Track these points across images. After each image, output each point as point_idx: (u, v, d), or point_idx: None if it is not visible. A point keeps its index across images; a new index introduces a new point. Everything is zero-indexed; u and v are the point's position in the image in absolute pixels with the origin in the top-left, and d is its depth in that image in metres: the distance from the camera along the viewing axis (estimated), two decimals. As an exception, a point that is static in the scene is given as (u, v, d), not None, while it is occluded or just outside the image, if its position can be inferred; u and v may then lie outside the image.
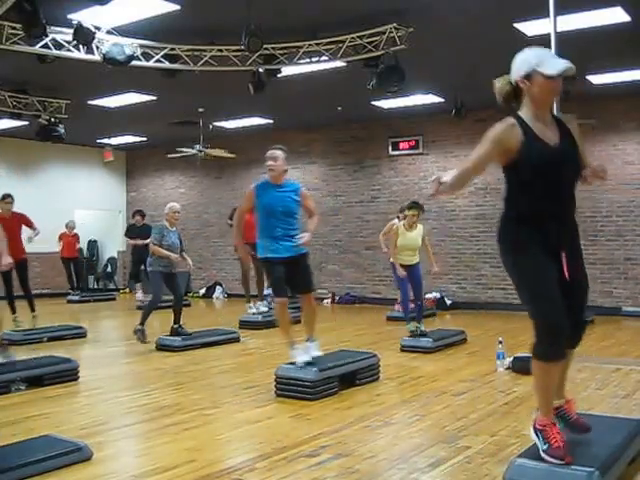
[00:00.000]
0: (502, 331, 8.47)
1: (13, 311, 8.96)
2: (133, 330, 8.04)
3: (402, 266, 7.98)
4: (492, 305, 12.09)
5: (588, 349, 7.70)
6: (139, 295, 12.52)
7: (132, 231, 12.87)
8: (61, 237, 13.98)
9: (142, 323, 7.96)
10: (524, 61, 3.04)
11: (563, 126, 3.16)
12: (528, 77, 3.00)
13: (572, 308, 3.13)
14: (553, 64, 2.97)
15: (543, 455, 3.10)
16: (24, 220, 9.07)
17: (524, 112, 3.08)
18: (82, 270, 14.22)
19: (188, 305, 12.67)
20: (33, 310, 9.12)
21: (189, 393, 5.58)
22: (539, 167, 3.02)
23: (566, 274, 3.16)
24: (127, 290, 16.78)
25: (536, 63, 2.99)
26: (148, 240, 8.46)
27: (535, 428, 3.19)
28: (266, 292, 10.47)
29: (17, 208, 9.18)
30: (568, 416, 3.40)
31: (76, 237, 14.17)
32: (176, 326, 8.08)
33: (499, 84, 3.16)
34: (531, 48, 3.07)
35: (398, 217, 10.27)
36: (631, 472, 3.48)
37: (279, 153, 5.76)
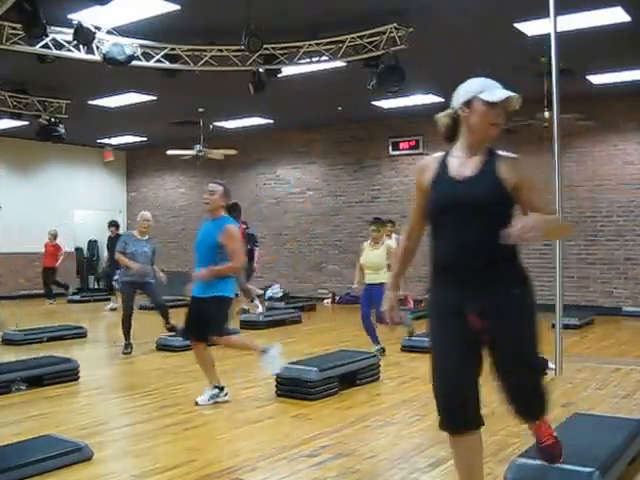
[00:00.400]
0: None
1: None
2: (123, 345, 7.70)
3: (367, 284, 7.46)
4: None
5: (588, 349, 7.71)
6: (110, 305, 12.48)
7: (109, 242, 12.74)
8: (45, 246, 13.73)
9: (126, 337, 7.64)
10: (466, 89, 2.76)
11: (494, 163, 2.72)
12: (468, 104, 2.71)
13: (504, 380, 2.71)
14: (495, 92, 2.74)
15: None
16: None
17: (457, 145, 2.81)
18: (50, 279, 14.01)
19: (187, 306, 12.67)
20: None
21: (189, 393, 5.57)
22: (438, 205, 2.70)
23: (484, 338, 2.65)
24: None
25: (478, 90, 2.73)
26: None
27: None
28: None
29: (17, 208, 9.19)
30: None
31: (57, 247, 13.74)
32: (169, 325, 8.03)
33: (442, 118, 2.89)
34: (476, 78, 2.80)
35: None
36: (631, 472, 3.48)
37: (218, 187, 5.49)
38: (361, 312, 7.45)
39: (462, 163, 2.73)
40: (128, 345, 7.64)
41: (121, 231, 13.22)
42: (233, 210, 9.84)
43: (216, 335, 5.17)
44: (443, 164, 2.78)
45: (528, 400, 2.84)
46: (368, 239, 7.73)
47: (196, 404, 5.10)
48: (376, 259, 7.47)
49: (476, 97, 2.71)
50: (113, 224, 13.02)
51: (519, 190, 2.67)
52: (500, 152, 2.78)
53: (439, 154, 2.84)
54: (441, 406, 2.69)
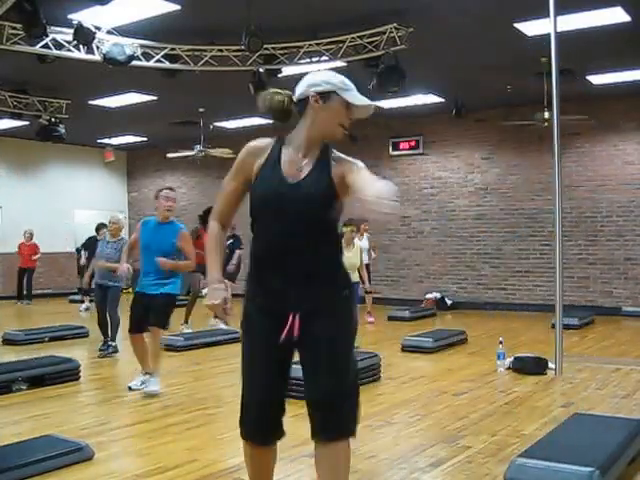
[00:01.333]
0: (502, 331, 8.47)
1: None
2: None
3: None
4: (492, 305, 12.09)
5: (588, 349, 7.71)
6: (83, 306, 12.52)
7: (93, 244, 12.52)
8: (19, 246, 13.56)
9: (104, 336, 7.72)
10: (326, 80, 2.47)
11: (326, 163, 2.47)
12: (325, 96, 2.45)
13: (310, 390, 2.64)
14: (357, 95, 2.51)
15: None
16: None
17: (293, 134, 2.55)
18: (29, 280, 13.94)
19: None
20: None
21: (191, 393, 5.59)
22: (262, 198, 2.46)
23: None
24: (129, 290, 16.78)
25: (340, 87, 2.47)
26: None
27: None
28: None
29: (18, 209, 9.19)
30: None
31: (33, 247, 13.59)
32: (106, 340, 7.72)
33: (277, 95, 2.53)
34: (335, 73, 2.54)
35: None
36: (631, 472, 3.49)
37: (175, 194, 5.78)
38: None
39: (295, 160, 2.47)
40: (105, 343, 7.65)
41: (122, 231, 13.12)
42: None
43: (161, 328, 5.58)
44: (277, 156, 2.50)
45: (332, 411, 2.59)
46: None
47: (130, 389, 5.57)
48: (347, 260, 7.42)
49: (336, 92, 2.47)
50: (103, 226, 12.68)
51: (344, 179, 2.39)
52: (336, 153, 2.52)
53: (272, 140, 2.56)
54: (242, 413, 2.55)
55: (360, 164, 2.45)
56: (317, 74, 2.54)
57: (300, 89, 2.51)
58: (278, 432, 2.62)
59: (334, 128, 2.49)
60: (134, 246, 5.95)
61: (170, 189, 5.80)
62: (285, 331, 2.40)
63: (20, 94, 10.67)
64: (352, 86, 2.53)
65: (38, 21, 6.44)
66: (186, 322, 9.40)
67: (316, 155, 2.48)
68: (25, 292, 13.71)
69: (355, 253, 7.77)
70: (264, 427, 2.57)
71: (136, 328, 5.62)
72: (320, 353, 2.48)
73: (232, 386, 5.88)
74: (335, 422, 2.52)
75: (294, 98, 2.52)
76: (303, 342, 2.45)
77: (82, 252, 13.24)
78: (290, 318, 2.40)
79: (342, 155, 2.51)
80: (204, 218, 10.18)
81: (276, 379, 2.58)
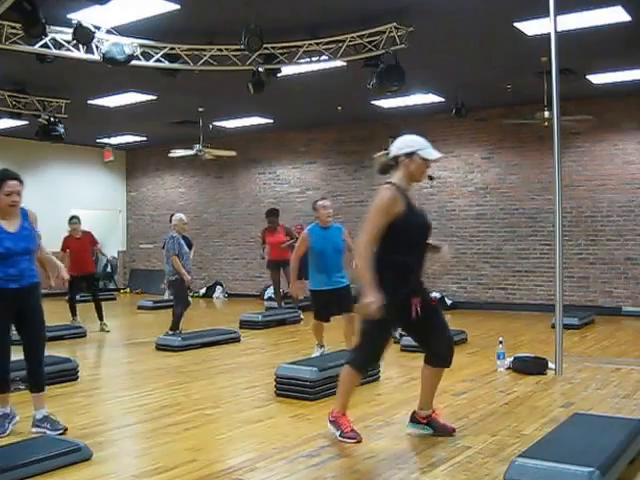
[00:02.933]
0: (502, 331, 8.46)
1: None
2: None
3: None
4: (492, 305, 12.08)
5: (588, 349, 7.70)
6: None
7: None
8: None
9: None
10: (408, 144, 3.89)
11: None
12: (409, 155, 3.87)
13: (441, 340, 4.14)
14: (432, 152, 3.91)
15: (339, 439, 4.03)
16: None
17: (397, 181, 3.91)
18: None
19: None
20: None
21: (189, 393, 5.58)
22: (417, 229, 4.05)
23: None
24: (127, 290, 16.79)
25: (418, 147, 3.86)
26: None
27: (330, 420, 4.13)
28: None
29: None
30: (437, 424, 4.19)
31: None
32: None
33: (380, 157, 4.07)
34: (414, 136, 3.93)
35: None
36: (631, 472, 3.48)
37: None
38: None
39: (411, 200, 3.91)
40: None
41: (122, 231, 13.11)
42: (271, 215, 10.50)
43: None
44: (408, 199, 3.87)
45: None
46: None
47: None
48: None
49: (416, 152, 3.86)
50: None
51: None
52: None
53: (396, 189, 3.84)
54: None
55: None
56: (403, 139, 3.93)
57: (394, 151, 3.92)
58: None
59: (420, 176, 3.97)
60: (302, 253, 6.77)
61: (324, 199, 6.92)
62: (414, 310, 3.85)
63: (19, 94, 10.65)
64: (427, 144, 3.90)
65: (37, 21, 6.42)
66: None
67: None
68: None
69: None
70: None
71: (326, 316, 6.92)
72: (439, 317, 4.14)
73: (231, 386, 5.88)
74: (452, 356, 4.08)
75: (390, 157, 3.95)
76: (425, 314, 3.90)
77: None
78: (415, 301, 3.87)
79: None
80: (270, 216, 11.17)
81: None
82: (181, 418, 4.75)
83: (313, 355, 6.74)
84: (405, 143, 3.88)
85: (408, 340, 7.61)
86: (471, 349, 7.71)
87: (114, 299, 14.94)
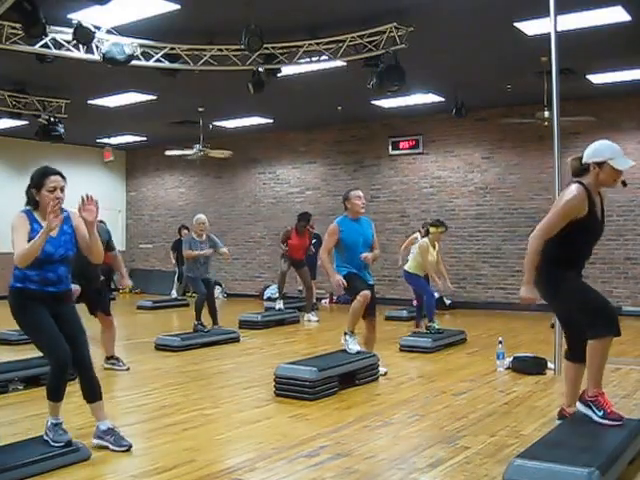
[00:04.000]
0: (502, 331, 8.46)
1: None
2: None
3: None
4: (492, 305, 12.08)
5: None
6: None
7: None
8: None
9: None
10: (601, 153, 3.85)
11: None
12: (600, 164, 3.82)
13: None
14: (624, 161, 3.88)
15: (601, 421, 3.76)
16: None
17: (588, 183, 3.86)
18: None
19: (187, 305, 12.68)
20: None
21: (189, 393, 5.57)
22: (595, 229, 3.99)
23: None
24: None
25: (610, 158, 3.81)
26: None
27: (586, 400, 3.87)
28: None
29: (17, 208, 9.14)
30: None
31: None
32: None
33: (574, 162, 3.97)
34: (606, 142, 3.91)
35: (420, 232, 10.26)
36: (631, 472, 3.48)
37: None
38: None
39: (597, 204, 3.91)
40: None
41: (121, 231, 13.22)
42: (302, 219, 10.42)
43: None
44: (591, 201, 3.84)
45: None
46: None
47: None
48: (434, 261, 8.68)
49: (607, 162, 3.82)
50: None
51: None
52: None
53: (584, 189, 3.82)
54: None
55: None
56: (596, 147, 3.88)
57: (585, 158, 3.88)
58: None
59: (610, 183, 3.96)
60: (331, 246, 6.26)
61: (358, 189, 6.45)
62: None
63: (19, 94, 10.64)
64: (620, 152, 3.88)
65: (37, 21, 6.41)
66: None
67: (600, 200, 3.98)
68: None
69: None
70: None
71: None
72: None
73: (230, 386, 5.88)
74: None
75: (583, 162, 3.89)
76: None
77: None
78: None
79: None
80: (299, 222, 10.91)
81: None
82: (180, 418, 4.74)
83: (353, 348, 5.95)
84: (598, 151, 3.87)
85: (407, 340, 7.63)
86: (470, 349, 7.71)
87: (114, 299, 14.88)
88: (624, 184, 4.09)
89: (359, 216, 6.21)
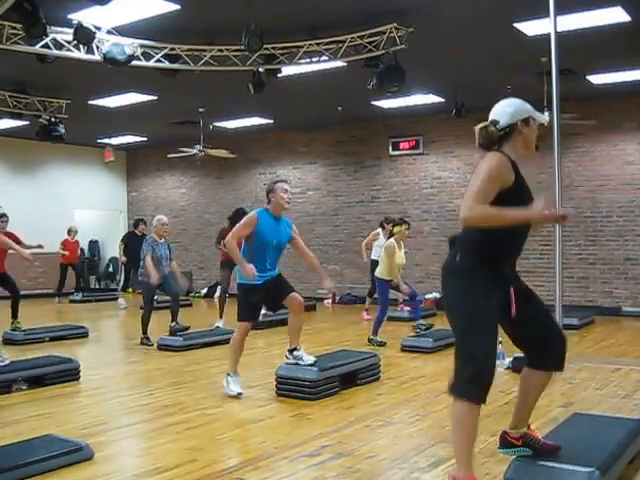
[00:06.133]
0: (502, 331, 8.45)
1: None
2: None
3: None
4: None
5: (588, 349, 7.71)
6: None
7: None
8: (63, 243, 13.66)
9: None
10: (522, 109, 3.23)
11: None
12: (526, 121, 3.20)
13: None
14: (541, 115, 3.28)
15: None
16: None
17: (508, 153, 3.20)
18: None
19: (190, 305, 12.70)
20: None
21: (190, 393, 5.59)
22: (529, 201, 3.07)
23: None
24: (129, 290, 16.79)
25: (531, 111, 3.22)
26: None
27: None
28: None
29: (17, 209, 9.19)
30: (536, 442, 3.32)
31: (77, 243, 14.16)
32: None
33: (489, 128, 3.32)
34: (517, 100, 3.29)
35: (384, 226, 10.57)
36: (631, 472, 3.49)
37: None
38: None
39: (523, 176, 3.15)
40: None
41: (122, 231, 13.13)
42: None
43: None
44: (517, 170, 3.14)
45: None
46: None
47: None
48: (400, 260, 8.40)
49: (532, 117, 3.21)
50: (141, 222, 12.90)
51: None
52: None
53: (507, 157, 3.15)
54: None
55: None
56: (512, 104, 3.26)
57: (509, 119, 3.23)
58: None
59: (532, 143, 3.25)
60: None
61: (285, 181, 5.72)
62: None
63: (20, 94, 10.66)
64: (532, 108, 3.25)
65: (38, 21, 6.43)
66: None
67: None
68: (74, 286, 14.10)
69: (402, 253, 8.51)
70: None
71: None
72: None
73: (232, 386, 5.88)
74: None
75: (499, 127, 3.25)
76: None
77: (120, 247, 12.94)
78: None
79: None
80: (233, 219, 10.35)
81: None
82: (182, 418, 4.76)
83: (234, 390, 5.44)
84: (519, 108, 3.21)
85: (408, 340, 7.64)
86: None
87: (116, 299, 14.93)
88: (537, 148, 3.31)
89: (280, 214, 5.51)
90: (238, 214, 10.37)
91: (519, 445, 3.33)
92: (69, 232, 13.73)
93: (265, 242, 5.37)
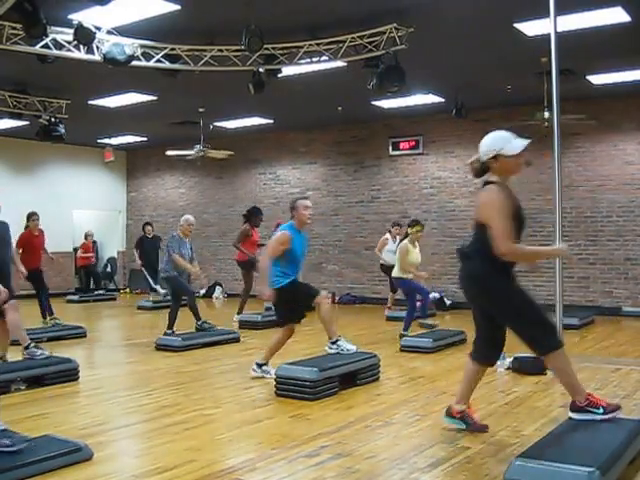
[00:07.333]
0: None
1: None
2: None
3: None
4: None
5: (588, 349, 7.71)
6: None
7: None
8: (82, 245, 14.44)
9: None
10: (490, 147, 3.91)
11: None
12: (494, 158, 3.88)
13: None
14: (515, 144, 3.86)
15: (603, 417, 3.76)
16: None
17: (499, 180, 3.97)
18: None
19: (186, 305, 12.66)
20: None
21: (189, 393, 5.58)
22: (523, 225, 4.03)
23: None
24: (127, 290, 16.79)
25: (502, 147, 3.85)
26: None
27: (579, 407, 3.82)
28: None
29: (17, 209, 9.19)
30: (470, 420, 4.20)
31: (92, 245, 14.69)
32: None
33: (474, 163, 4.07)
34: (496, 135, 3.92)
35: (390, 232, 10.87)
36: (631, 472, 3.48)
37: None
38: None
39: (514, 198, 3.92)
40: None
41: (121, 231, 13.17)
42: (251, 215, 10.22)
43: None
44: (508, 195, 3.90)
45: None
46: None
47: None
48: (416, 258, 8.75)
49: (498, 154, 3.86)
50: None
51: None
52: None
53: (500, 187, 3.90)
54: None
55: None
56: (485, 142, 3.92)
57: (481, 155, 3.95)
58: None
59: (515, 169, 3.95)
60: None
61: (307, 198, 6.32)
62: None
63: (20, 94, 10.66)
64: (509, 138, 3.86)
65: (38, 21, 6.42)
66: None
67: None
68: (94, 285, 15.01)
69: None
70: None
71: None
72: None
73: (230, 386, 5.88)
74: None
75: (481, 161, 3.96)
76: None
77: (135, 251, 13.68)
78: None
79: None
80: (248, 218, 10.56)
81: None
82: (181, 418, 4.75)
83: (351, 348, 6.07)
84: (488, 147, 3.90)
85: (408, 340, 7.63)
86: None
87: (114, 299, 14.95)
88: (528, 164, 4.09)
89: (303, 229, 5.98)
90: (253, 213, 10.52)
91: (457, 418, 4.20)
92: (86, 237, 14.38)
93: (296, 256, 5.92)
